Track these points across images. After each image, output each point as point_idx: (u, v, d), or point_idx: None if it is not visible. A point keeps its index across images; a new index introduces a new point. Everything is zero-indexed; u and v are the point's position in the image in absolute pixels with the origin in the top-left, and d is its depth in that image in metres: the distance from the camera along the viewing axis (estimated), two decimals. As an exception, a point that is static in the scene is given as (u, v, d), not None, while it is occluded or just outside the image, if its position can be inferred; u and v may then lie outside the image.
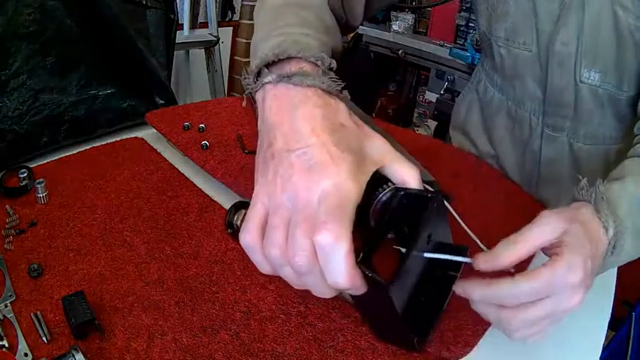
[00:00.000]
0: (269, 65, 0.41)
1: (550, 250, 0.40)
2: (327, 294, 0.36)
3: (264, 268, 0.38)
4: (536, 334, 0.40)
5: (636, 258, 0.48)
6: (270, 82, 0.40)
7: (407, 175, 0.40)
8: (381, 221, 0.39)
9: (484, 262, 0.40)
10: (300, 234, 0.34)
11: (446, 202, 0.42)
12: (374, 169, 0.38)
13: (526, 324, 0.39)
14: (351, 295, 0.36)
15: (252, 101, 0.44)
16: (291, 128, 0.37)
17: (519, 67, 0.74)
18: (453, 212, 0.46)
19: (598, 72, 0.65)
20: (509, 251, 0.39)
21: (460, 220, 0.45)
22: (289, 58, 0.41)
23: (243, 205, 0.43)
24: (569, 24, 0.64)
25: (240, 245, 0.42)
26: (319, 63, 0.41)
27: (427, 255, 0.40)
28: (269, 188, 0.36)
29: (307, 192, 0.34)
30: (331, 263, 0.33)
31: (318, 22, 0.48)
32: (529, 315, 0.38)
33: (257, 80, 0.41)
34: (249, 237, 0.37)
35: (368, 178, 0.37)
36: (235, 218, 0.42)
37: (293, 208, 0.35)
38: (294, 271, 0.35)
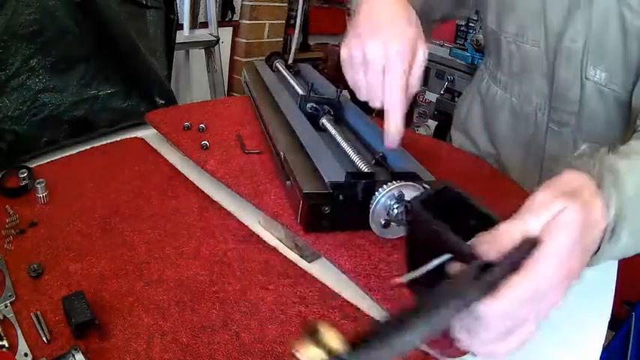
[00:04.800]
0: None
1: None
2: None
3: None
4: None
5: (632, 255, 0.44)
6: None
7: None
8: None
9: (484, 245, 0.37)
10: None
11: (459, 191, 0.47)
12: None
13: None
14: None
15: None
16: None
17: (528, 62, 0.74)
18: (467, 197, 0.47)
19: (604, 71, 0.65)
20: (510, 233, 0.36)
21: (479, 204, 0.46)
22: None
23: None
24: (577, 21, 0.64)
25: None
26: None
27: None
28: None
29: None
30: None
31: None
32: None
33: None
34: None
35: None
36: None
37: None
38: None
